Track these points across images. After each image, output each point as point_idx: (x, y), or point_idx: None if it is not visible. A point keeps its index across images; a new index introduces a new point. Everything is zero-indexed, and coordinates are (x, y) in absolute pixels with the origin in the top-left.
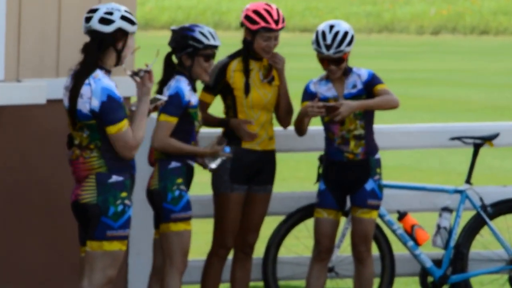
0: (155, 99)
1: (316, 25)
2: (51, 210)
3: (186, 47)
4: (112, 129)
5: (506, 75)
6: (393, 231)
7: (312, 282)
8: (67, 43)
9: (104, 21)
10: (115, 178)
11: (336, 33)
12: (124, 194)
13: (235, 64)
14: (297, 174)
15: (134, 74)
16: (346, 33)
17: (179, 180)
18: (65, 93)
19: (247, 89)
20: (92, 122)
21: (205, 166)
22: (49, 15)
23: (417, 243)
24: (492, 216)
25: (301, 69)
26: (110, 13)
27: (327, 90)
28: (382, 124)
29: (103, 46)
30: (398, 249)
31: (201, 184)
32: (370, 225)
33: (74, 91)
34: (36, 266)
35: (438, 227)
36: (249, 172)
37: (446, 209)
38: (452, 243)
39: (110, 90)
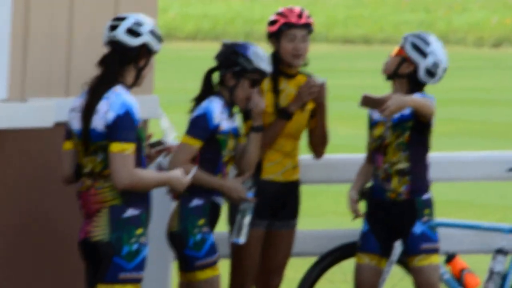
0: (158, 143)
1: (360, 36)
2: (59, 249)
3: (233, 65)
4: (115, 147)
5: None
6: (440, 276)
7: None
8: (78, 59)
9: (132, 32)
10: (130, 212)
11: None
12: (139, 231)
13: (265, 84)
14: (336, 208)
15: (152, 145)
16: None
17: (201, 222)
18: (73, 115)
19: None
20: (107, 142)
21: (236, 200)
22: (59, 28)
23: None
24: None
25: (341, 87)
26: (140, 25)
27: (378, 113)
28: (432, 152)
29: (125, 61)
30: None
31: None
32: (433, 273)
33: (89, 107)
34: None
35: (491, 271)
36: (271, 206)
37: (500, 251)
38: None
39: (130, 107)
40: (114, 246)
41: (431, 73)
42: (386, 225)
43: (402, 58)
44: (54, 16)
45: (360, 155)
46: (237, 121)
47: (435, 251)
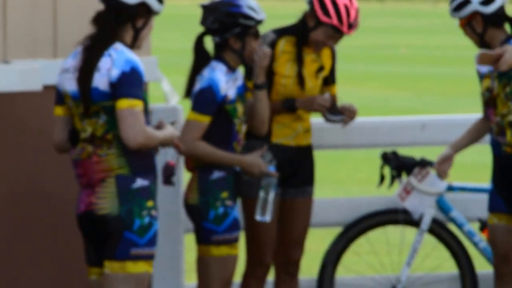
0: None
1: None
2: (54, 222)
3: (234, 27)
4: (123, 103)
5: None
6: (475, 244)
7: None
8: (65, 16)
9: None
10: (140, 182)
11: None
12: (150, 203)
13: (283, 44)
14: (356, 175)
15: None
16: None
17: (224, 194)
18: (67, 76)
19: (301, 81)
20: (111, 102)
21: (246, 177)
22: None
23: None
24: None
25: (351, 47)
26: None
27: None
28: (461, 114)
29: (121, 19)
30: (481, 267)
31: None
32: None
33: (88, 66)
34: None
35: None
36: (283, 172)
37: None
38: None
39: (135, 63)
40: (124, 220)
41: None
42: (507, 183)
43: (468, 23)
44: None
45: (378, 118)
46: (240, 77)
47: None
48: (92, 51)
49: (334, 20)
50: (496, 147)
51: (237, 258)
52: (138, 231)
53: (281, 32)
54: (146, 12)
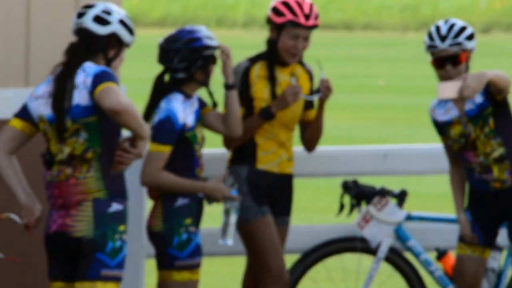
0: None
1: (341, 21)
2: (19, 242)
3: (196, 60)
4: (100, 86)
5: None
6: (431, 273)
7: None
8: (37, 46)
9: (99, 20)
10: (115, 207)
11: (452, 25)
12: (122, 228)
13: (258, 69)
14: (317, 203)
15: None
16: (464, 27)
17: (188, 221)
18: (40, 102)
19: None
20: (93, 119)
21: (210, 202)
22: (16, 13)
23: None
24: None
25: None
26: (108, 13)
27: (444, 113)
28: (424, 143)
29: (92, 49)
30: None
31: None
32: None
33: (59, 93)
34: None
35: (485, 268)
36: (266, 198)
37: (495, 247)
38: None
39: (106, 68)
40: (98, 243)
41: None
42: (492, 215)
43: (465, 57)
44: (11, 4)
45: (339, 147)
46: (196, 100)
47: None
48: (64, 78)
49: (289, 16)
50: (481, 185)
51: (198, 283)
52: (109, 253)
53: (254, 59)
54: (117, 43)
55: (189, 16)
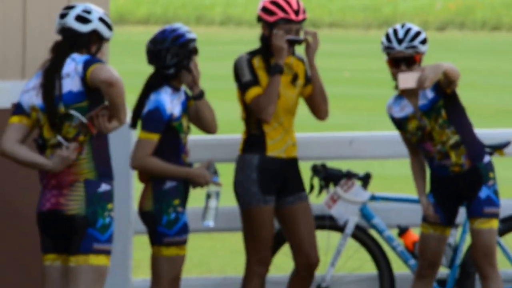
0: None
1: (309, 20)
2: (17, 220)
3: (185, 55)
4: (92, 67)
5: None
6: (393, 248)
7: None
8: (33, 41)
9: (80, 19)
10: (104, 187)
11: (409, 29)
12: (110, 206)
13: (257, 62)
14: None
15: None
16: (419, 32)
17: (176, 202)
18: (32, 93)
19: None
20: (84, 104)
21: (194, 187)
22: (13, 15)
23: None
24: (502, 232)
25: None
26: (88, 12)
27: (400, 110)
28: (386, 131)
29: (76, 46)
30: (398, 268)
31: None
32: (491, 236)
33: (49, 84)
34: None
35: None
36: (277, 182)
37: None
38: (458, 261)
39: (95, 57)
40: (89, 220)
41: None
42: (452, 196)
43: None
44: (7, 6)
45: (310, 134)
46: (183, 91)
47: (495, 215)
48: (52, 70)
49: (280, 14)
50: (441, 170)
51: (185, 257)
52: (100, 229)
53: (252, 53)
54: (98, 39)
55: (171, 15)
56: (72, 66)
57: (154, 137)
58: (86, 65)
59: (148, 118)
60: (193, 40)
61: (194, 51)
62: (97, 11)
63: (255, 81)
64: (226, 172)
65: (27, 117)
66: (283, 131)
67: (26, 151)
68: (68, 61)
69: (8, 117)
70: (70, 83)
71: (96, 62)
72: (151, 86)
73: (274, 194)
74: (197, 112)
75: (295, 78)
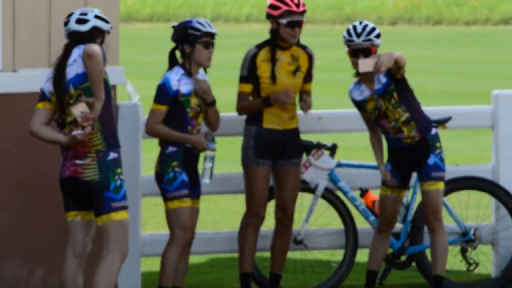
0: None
1: None
2: (46, 188)
3: (187, 37)
4: (87, 47)
5: (459, 63)
6: (356, 207)
7: (374, 251)
8: (58, 35)
9: (80, 21)
10: (112, 155)
11: (366, 26)
12: (119, 170)
13: (263, 54)
14: None
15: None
16: (374, 28)
17: (174, 163)
18: (50, 82)
19: (273, 77)
20: (88, 84)
21: (194, 151)
22: (41, 9)
23: (377, 218)
24: (445, 193)
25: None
26: (85, 14)
27: (360, 94)
28: (349, 109)
29: (81, 43)
30: (361, 223)
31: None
32: (437, 196)
33: (56, 74)
34: (33, 239)
35: None
36: (273, 149)
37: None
38: (409, 217)
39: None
40: (103, 184)
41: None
42: (406, 163)
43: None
44: (35, 2)
45: None
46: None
47: (442, 179)
48: (60, 62)
49: (284, 7)
50: (396, 142)
51: (189, 208)
52: (113, 190)
53: (261, 45)
54: (100, 33)
55: (171, 14)
56: (77, 52)
57: (162, 108)
58: (84, 47)
59: (157, 91)
60: (198, 30)
61: (200, 42)
62: (92, 11)
63: (247, 79)
64: (226, 145)
65: (49, 102)
66: (280, 109)
67: (48, 131)
68: (75, 49)
69: (37, 100)
70: (76, 67)
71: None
72: (173, 62)
73: (269, 159)
74: (207, 114)
75: (297, 69)
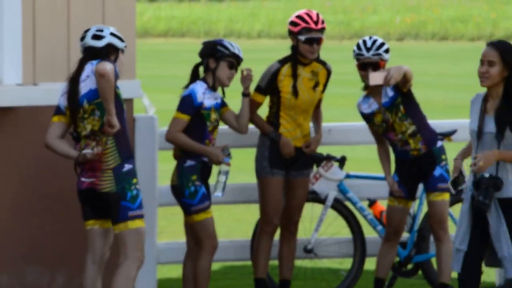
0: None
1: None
2: (65, 197)
3: (214, 53)
4: (99, 63)
5: (463, 77)
6: (364, 217)
7: (381, 260)
8: (75, 50)
9: (96, 37)
10: (127, 166)
11: (375, 41)
12: (135, 180)
13: (286, 70)
14: None
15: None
16: (383, 43)
17: (194, 177)
18: (65, 96)
19: (295, 92)
20: (101, 99)
21: (210, 164)
22: (59, 25)
23: (385, 227)
24: (451, 203)
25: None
26: (101, 30)
27: (368, 107)
28: (357, 122)
29: (96, 58)
30: (369, 233)
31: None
32: (443, 206)
33: (70, 90)
34: (54, 245)
35: None
36: (286, 161)
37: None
38: (416, 227)
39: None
40: (120, 194)
41: None
42: (413, 175)
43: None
44: (54, 18)
45: None
46: (219, 97)
47: (447, 190)
48: (74, 78)
49: (303, 24)
50: (403, 154)
51: (213, 218)
52: (130, 200)
53: (283, 61)
54: (114, 50)
55: (185, 29)
56: (90, 68)
57: (185, 118)
58: (96, 65)
59: (182, 101)
60: (226, 48)
61: (225, 61)
62: (108, 28)
63: (264, 91)
64: (239, 156)
65: (64, 115)
66: (295, 125)
67: (62, 144)
68: (88, 65)
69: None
70: (90, 82)
71: (104, 61)
72: (193, 76)
73: (282, 169)
74: (240, 109)
75: (316, 85)
